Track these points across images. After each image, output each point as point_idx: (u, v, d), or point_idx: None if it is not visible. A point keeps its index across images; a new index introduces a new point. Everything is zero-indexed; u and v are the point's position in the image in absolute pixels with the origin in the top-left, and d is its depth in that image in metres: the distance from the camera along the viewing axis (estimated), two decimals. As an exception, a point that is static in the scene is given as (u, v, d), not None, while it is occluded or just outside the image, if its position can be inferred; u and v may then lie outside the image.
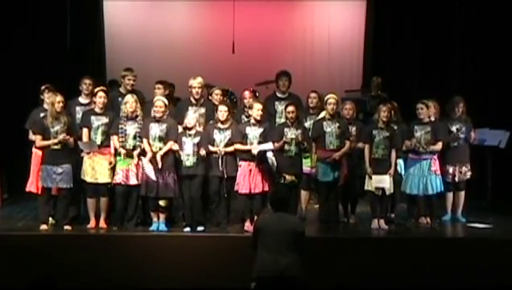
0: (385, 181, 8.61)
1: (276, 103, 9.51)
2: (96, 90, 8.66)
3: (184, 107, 8.89)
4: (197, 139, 8.45)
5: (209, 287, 7.79)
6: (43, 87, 8.89)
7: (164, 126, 8.45)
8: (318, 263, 7.63)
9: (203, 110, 8.84)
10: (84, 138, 8.54)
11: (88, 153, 8.47)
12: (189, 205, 8.46)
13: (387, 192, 8.65)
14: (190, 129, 8.48)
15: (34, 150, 8.69)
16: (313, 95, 9.35)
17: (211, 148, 8.49)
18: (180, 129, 8.58)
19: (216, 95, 9.19)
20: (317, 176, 8.77)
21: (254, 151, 8.47)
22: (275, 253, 6.18)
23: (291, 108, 8.74)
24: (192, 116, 8.53)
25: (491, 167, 9.61)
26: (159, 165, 8.29)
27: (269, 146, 8.51)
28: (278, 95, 9.62)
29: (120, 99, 8.90)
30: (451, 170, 9.17)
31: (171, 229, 8.48)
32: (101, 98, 8.57)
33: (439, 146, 8.84)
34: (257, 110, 8.63)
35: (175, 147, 8.38)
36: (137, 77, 9.04)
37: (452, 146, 9.16)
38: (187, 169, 8.42)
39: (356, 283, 6.72)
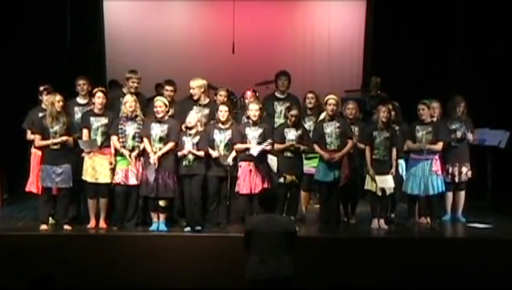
0: (388, 181, 8.61)
1: (275, 103, 9.51)
2: (94, 91, 8.66)
3: (188, 107, 8.90)
4: (197, 139, 8.45)
5: (209, 287, 7.79)
6: (41, 88, 8.88)
7: (165, 126, 8.45)
8: (318, 263, 7.64)
9: (207, 111, 8.85)
10: (84, 138, 8.54)
11: (89, 153, 8.47)
12: (190, 205, 8.46)
13: (388, 193, 8.65)
14: (190, 128, 8.48)
15: (33, 150, 8.70)
16: (310, 95, 9.36)
17: (213, 154, 8.48)
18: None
19: (221, 96, 9.18)
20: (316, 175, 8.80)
21: (254, 153, 8.46)
22: (267, 256, 6.17)
23: (294, 112, 8.73)
24: (194, 116, 8.53)
25: (491, 167, 9.59)
26: (156, 165, 8.30)
27: (265, 144, 8.49)
28: (277, 95, 9.61)
29: (122, 99, 8.91)
30: (450, 170, 9.18)
31: (171, 229, 8.48)
32: (99, 99, 8.56)
33: (439, 146, 8.83)
34: (252, 111, 8.63)
35: (180, 152, 8.40)
36: (141, 79, 9.02)
37: (452, 146, 9.16)
38: (186, 169, 8.43)
39: (356, 283, 6.70)
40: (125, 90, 9.04)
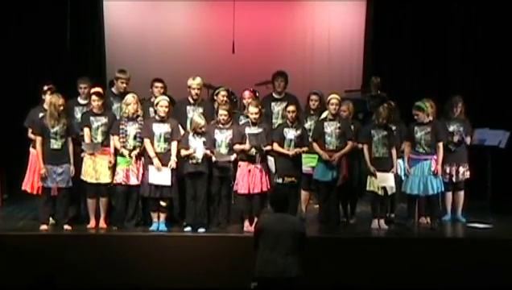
0: (389, 179, 8.61)
1: (272, 104, 9.51)
2: (91, 93, 8.66)
3: (182, 107, 8.91)
4: (203, 138, 8.46)
5: (209, 287, 7.79)
6: (45, 87, 8.85)
7: (168, 125, 8.47)
8: (318, 263, 7.64)
9: (201, 110, 8.84)
10: (86, 138, 8.56)
11: (91, 154, 8.48)
12: (192, 205, 8.46)
13: (389, 192, 8.64)
14: (201, 128, 8.48)
15: (31, 149, 8.70)
16: (314, 98, 9.28)
17: (213, 158, 8.47)
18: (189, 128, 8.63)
19: (223, 96, 9.17)
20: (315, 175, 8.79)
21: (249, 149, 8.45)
22: (276, 254, 6.17)
23: (291, 107, 8.76)
24: (201, 118, 8.52)
25: (491, 167, 9.59)
26: (174, 166, 8.34)
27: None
28: (275, 96, 9.62)
29: (111, 99, 8.94)
30: (448, 170, 9.17)
31: (171, 229, 8.48)
32: (94, 102, 8.58)
33: (440, 147, 8.82)
34: (252, 115, 8.63)
35: (186, 151, 8.40)
36: (130, 79, 9.03)
37: (450, 149, 9.16)
38: (193, 166, 8.41)
39: (356, 283, 6.71)
40: (114, 90, 9.07)
